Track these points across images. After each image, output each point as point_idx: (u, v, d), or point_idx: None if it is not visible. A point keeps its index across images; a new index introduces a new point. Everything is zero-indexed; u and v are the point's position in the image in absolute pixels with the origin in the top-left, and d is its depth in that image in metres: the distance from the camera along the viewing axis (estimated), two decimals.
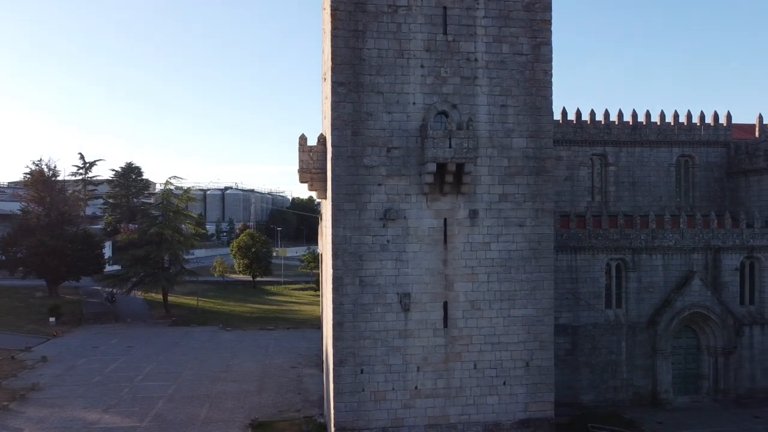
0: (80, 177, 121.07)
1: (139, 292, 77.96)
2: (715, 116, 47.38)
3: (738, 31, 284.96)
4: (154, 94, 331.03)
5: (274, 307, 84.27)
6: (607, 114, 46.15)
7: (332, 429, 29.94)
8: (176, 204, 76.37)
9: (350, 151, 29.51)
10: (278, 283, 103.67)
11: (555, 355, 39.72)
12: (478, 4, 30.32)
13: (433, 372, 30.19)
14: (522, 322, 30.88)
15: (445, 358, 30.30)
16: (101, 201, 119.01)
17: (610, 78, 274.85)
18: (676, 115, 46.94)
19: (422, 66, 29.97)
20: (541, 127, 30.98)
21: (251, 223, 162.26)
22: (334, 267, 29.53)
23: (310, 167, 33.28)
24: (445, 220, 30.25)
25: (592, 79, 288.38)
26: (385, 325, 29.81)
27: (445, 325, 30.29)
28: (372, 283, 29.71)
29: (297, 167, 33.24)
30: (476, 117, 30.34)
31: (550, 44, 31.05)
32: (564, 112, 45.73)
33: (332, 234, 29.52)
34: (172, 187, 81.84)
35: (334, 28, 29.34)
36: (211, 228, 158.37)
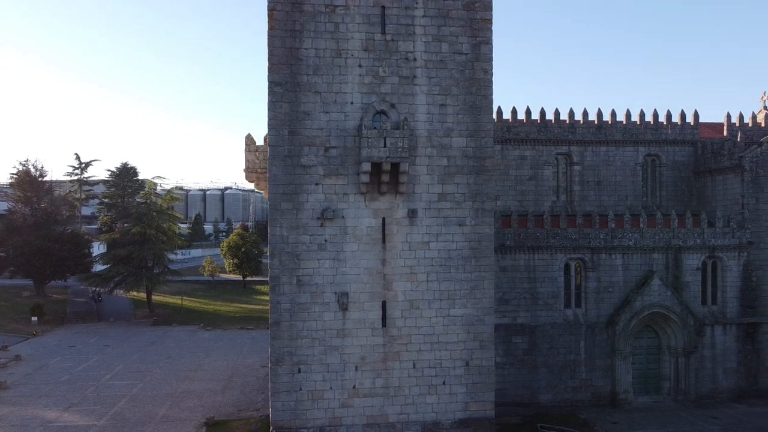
0: (76, 177, 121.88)
1: (122, 292, 78.33)
2: (682, 115, 47.05)
3: (709, 30, 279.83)
4: (154, 94, 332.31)
5: (260, 307, 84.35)
6: (571, 113, 45.92)
7: (271, 428, 30.05)
8: (159, 204, 76.71)
9: (287, 151, 29.60)
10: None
11: (512, 355, 39.97)
12: (417, 3, 30.32)
13: (372, 371, 30.23)
14: (462, 322, 30.85)
15: (384, 358, 30.33)
16: (97, 201, 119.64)
17: (576, 77, 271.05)
18: (642, 114, 46.64)
19: (360, 65, 30.02)
20: (481, 126, 30.92)
21: (250, 223, 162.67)
22: (271, 266, 29.65)
23: (256, 167, 33.46)
24: (383, 219, 30.29)
25: (558, 78, 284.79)
26: (322, 325, 29.90)
27: (384, 325, 30.33)
28: (309, 283, 29.80)
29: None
30: (415, 116, 30.35)
31: (491, 43, 30.99)
32: (528, 111, 45.56)
33: (269, 233, 29.63)
34: (157, 188, 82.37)
35: (270, 28, 29.45)
36: (209, 228, 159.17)
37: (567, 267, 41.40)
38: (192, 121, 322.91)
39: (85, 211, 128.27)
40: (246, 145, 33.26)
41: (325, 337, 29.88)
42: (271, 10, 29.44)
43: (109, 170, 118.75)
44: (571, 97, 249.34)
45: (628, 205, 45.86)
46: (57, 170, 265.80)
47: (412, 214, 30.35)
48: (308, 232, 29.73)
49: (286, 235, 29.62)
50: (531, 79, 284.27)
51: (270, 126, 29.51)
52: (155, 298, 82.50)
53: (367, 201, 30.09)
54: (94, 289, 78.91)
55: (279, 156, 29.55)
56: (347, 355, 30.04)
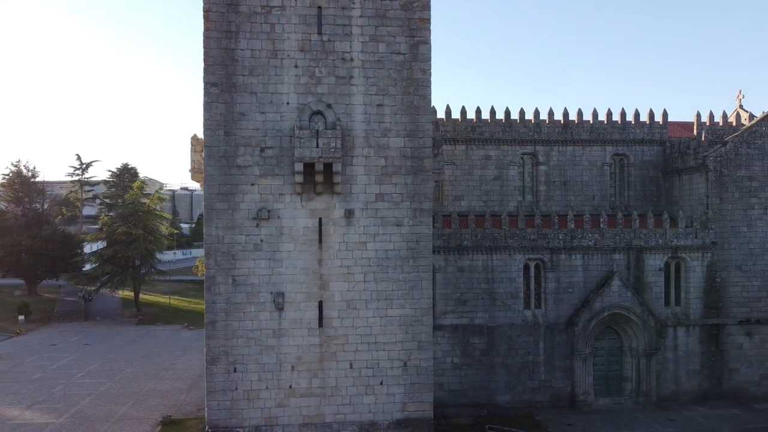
0: (77, 178, 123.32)
1: (108, 291, 79.06)
2: (651, 114, 46.56)
3: (686, 27, 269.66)
4: (158, 95, 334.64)
5: None
6: (537, 113, 45.62)
7: (206, 428, 30.21)
8: (147, 204, 77.40)
9: (223, 151, 29.77)
10: None
11: (470, 356, 39.90)
12: (353, 3, 30.34)
13: (308, 371, 30.30)
14: (399, 322, 30.82)
15: (320, 358, 30.38)
16: (98, 201, 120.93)
17: (543, 76, 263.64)
18: (609, 114, 46.27)
19: (296, 66, 30.09)
20: (419, 126, 30.88)
21: None
22: (207, 266, 29.83)
23: (202, 167, 33.55)
24: (320, 219, 30.35)
25: (523, 78, 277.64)
26: (258, 324, 30.02)
27: (320, 325, 30.40)
28: (245, 282, 29.94)
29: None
30: (352, 117, 30.39)
31: (429, 43, 30.94)
32: (492, 111, 45.30)
33: (205, 233, 29.80)
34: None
35: (206, 29, 29.64)
36: None
37: (526, 267, 41.14)
38: (198, 122, 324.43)
39: (90, 211, 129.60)
40: (192, 145, 33.50)
41: (260, 337, 30.00)
42: (206, 11, 29.62)
43: (109, 170, 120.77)
44: (538, 96, 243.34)
45: (595, 205, 45.47)
46: (59, 171, 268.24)
47: (349, 214, 30.38)
48: (244, 232, 29.87)
49: (221, 235, 29.78)
50: (496, 78, 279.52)
51: (205, 126, 29.69)
52: (146, 297, 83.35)
53: (303, 201, 30.17)
54: (83, 287, 79.65)
55: (214, 156, 29.71)
56: (283, 355, 30.14)
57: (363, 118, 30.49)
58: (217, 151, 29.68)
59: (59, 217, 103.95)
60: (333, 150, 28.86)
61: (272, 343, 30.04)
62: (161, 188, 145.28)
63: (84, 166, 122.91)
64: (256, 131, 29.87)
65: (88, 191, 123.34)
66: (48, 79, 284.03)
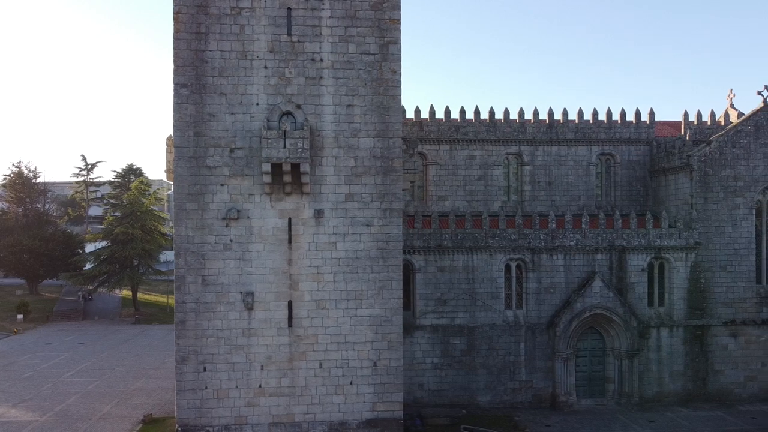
0: (82, 178, 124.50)
1: (106, 290, 79.76)
2: (637, 113, 46.27)
3: (677, 28, 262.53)
4: (159, 96, 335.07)
5: None
6: (521, 112, 45.49)
7: (176, 426, 30.43)
8: (145, 204, 77.95)
9: (192, 152, 29.98)
10: None
11: (450, 356, 39.88)
12: (323, 4, 30.44)
13: (278, 371, 30.44)
14: (369, 322, 30.89)
15: (290, 357, 30.51)
16: (105, 201, 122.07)
17: (528, 75, 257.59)
18: (595, 113, 46.01)
19: (266, 67, 30.24)
20: (389, 126, 30.92)
21: None
22: (177, 266, 30.05)
23: None
24: (289, 219, 30.48)
25: (509, 77, 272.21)
26: (228, 324, 30.21)
27: (290, 324, 30.54)
28: (215, 282, 30.13)
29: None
30: (322, 117, 30.50)
31: (399, 43, 30.97)
32: (477, 111, 45.22)
33: (175, 233, 30.03)
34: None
35: (176, 31, 29.86)
36: None
37: (507, 268, 41.03)
38: None
39: (96, 211, 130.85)
40: (167, 146, 33.74)
41: (230, 337, 30.18)
42: (176, 13, 29.85)
43: (114, 171, 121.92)
44: (522, 96, 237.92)
45: (581, 205, 45.23)
46: (66, 171, 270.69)
47: (318, 214, 30.49)
48: (213, 232, 30.06)
49: (191, 235, 29.99)
50: (481, 79, 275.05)
51: (175, 127, 29.91)
52: (146, 297, 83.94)
53: (272, 201, 30.31)
54: (82, 287, 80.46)
55: (184, 157, 29.93)
56: (253, 355, 30.30)
57: (333, 118, 30.59)
58: (186, 151, 29.91)
59: (65, 217, 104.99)
60: (300, 150, 28.97)
61: (242, 343, 30.21)
62: (169, 189, 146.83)
63: (89, 166, 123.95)
64: (225, 132, 30.06)
65: (94, 191, 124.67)
66: (52, 81, 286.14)
